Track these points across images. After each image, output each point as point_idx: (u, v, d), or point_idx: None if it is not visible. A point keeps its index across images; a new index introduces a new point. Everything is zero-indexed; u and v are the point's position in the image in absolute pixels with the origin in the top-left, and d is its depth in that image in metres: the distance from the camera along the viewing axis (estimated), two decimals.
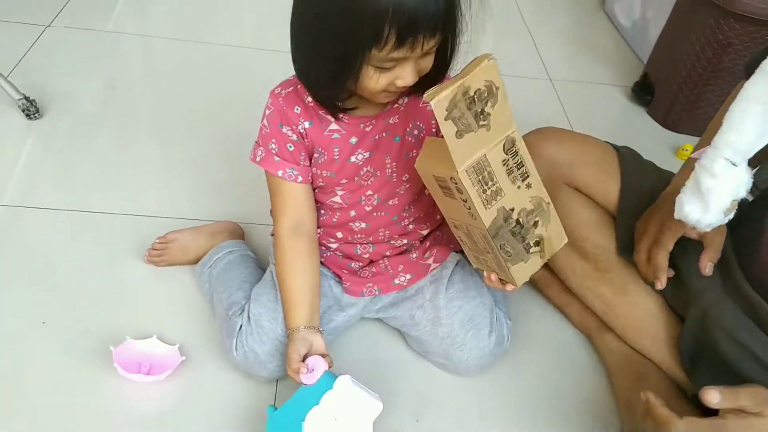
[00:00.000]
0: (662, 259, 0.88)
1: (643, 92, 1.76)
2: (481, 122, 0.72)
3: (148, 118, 1.46)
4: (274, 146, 0.87)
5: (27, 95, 1.36)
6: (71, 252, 1.13)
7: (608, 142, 1.06)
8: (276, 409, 0.85)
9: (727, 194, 0.75)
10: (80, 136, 1.37)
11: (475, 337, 0.97)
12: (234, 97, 1.52)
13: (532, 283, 1.17)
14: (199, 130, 1.43)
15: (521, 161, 0.78)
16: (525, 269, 0.85)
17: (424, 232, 1.02)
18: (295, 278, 0.91)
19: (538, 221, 0.82)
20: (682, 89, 1.63)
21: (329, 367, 0.85)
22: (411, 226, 0.99)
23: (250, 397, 0.95)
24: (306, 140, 0.87)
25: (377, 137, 0.88)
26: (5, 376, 0.94)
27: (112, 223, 1.19)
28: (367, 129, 0.88)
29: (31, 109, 1.37)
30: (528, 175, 0.79)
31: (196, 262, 1.10)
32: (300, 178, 0.89)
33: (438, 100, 0.68)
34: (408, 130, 0.89)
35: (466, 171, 0.73)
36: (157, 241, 1.10)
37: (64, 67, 1.54)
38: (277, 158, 0.88)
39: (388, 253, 1.01)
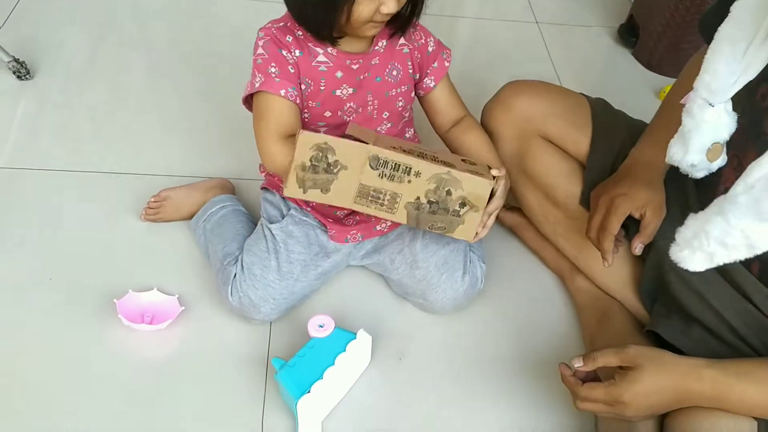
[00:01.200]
0: (608, 243, 0.90)
1: (629, 34, 1.77)
2: (336, 169, 0.80)
3: (140, 75, 1.48)
4: (274, 69, 0.90)
5: (16, 57, 1.39)
6: (72, 211, 1.18)
7: (583, 94, 1.09)
8: (284, 361, 0.92)
9: (707, 134, 0.77)
10: (72, 95, 1.41)
11: (449, 279, 1.04)
12: (228, 53, 1.54)
13: (510, 228, 1.23)
14: (191, 88, 1.45)
15: (395, 164, 0.80)
16: (467, 228, 0.88)
17: None
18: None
19: (449, 189, 0.84)
20: (665, 31, 1.64)
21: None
22: None
23: (247, 340, 1.03)
24: (296, 69, 0.92)
25: (362, 77, 0.95)
26: (17, 330, 1.01)
27: (109, 182, 1.24)
28: (354, 67, 0.94)
29: (21, 71, 1.40)
30: (410, 168, 0.81)
31: (190, 217, 1.16)
32: (298, 99, 0.92)
33: (288, 189, 0.80)
34: (387, 71, 0.97)
35: (355, 202, 0.83)
36: (152, 199, 1.16)
37: (52, 25, 1.56)
38: (278, 79, 0.90)
39: None
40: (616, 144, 1.03)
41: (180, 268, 1.11)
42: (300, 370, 0.91)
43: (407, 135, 1.08)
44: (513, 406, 1.00)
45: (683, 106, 0.79)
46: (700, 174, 0.81)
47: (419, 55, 0.99)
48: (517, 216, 1.21)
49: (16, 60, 1.39)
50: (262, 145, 0.91)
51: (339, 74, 0.94)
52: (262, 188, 1.12)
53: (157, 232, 1.16)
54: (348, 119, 0.97)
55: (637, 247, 0.91)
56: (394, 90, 0.98)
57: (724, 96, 0.76)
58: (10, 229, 1.15)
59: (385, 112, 1.00)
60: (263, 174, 1.12)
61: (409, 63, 0.98)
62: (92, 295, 1.06)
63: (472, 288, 1.07)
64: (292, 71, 0.92)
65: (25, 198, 1.20)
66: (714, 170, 0.81)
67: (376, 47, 0.95)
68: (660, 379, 0.76)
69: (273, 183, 1.09)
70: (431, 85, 1.02)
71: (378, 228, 1.07)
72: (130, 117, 1.38)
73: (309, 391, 0.88)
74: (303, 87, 0.94)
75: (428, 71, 1.01)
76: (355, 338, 0.94)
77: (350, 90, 0.95)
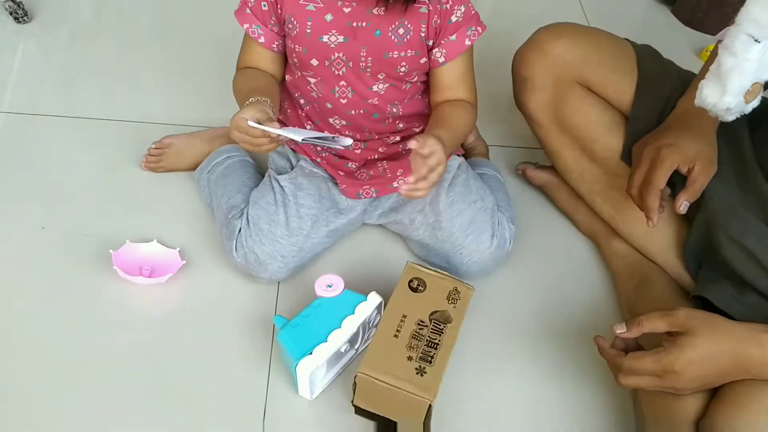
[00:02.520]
0: (653, 200, 0.83)
1: None
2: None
3: (146, 21, 1.41)
4: (251, 1, 0.87)
5: None
6: (70, 158, 1.12)
7: (627, 39, 1.00)
8: (286, 319, 0.85)
9: (748, 74, 0.69)
10: (73, 39, 1.34)
11: (475, 241, 0.96)
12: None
13: (540, 187, 1.14)
14: (197, 35, 1.38)
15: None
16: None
17: (418, 130, 0.99)
18: (250, 81, 0.89)
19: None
20: None
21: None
22: (401, 125, 0.97)
23: (252, 299, 0.96)
24: (279, 6, 0.86)
25: (355, 24, 0.84)
26: (5, 281, 0.95)
27: (111, 129, 1.17)
28: (345, 9, 0.84)
29: (18, 12, 1.33)
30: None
31: (194, 168, 1.09)
32: (262, 39, 0.88)
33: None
34: (392, 27, 0.85)
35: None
36: (153, 146, 1.09)
37: None
38: (248, 11, 0.88)
39: (381, 150, 0.98)
40: (663, 93, 0.94)
41: (182, 220, 1.05)
42: (303, 331, 0.84)
43: (416, 129, 0.98)
44: (540, 379, 0.93)
45: (720, 41, 0.72)
46: (732, 117, 0.73)
47: (438, 20, 0.86)
48: (548, 174, 1.12)
49: (13, 0, 1.31)
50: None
51: (329, 17, 0.84)
52: None
53: (158, 182, 1.09)
54: (337, 73, 0.88)
55: (683, 205, 0.83)
56: (395, 52, 0.86)
57: None
58: (3, 175, 1.08)
59: (381, 73, 0.89)
60: None
61: (424, 26, 0.85)
62: (87, 246, 0.99)
63: (499, 250, 0.98)
64: (265, 8, 0.85)
65: (20, 144, 1.14)
66: (747, 112, 0.72)
67: None
68: (715, 343, 0.69)
69: None
70: (440, 61, 0.88)
71: (395, 184, 0.98)
72: (132, 63, 1.31)
73: (311, 354, 0.81)
74: (289, 27, 0.86)
75: (442, 42, 0.87)
76: (365, 300, 0.87)
77: (340, 38, 0.85)
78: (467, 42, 0.88)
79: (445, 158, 0.78)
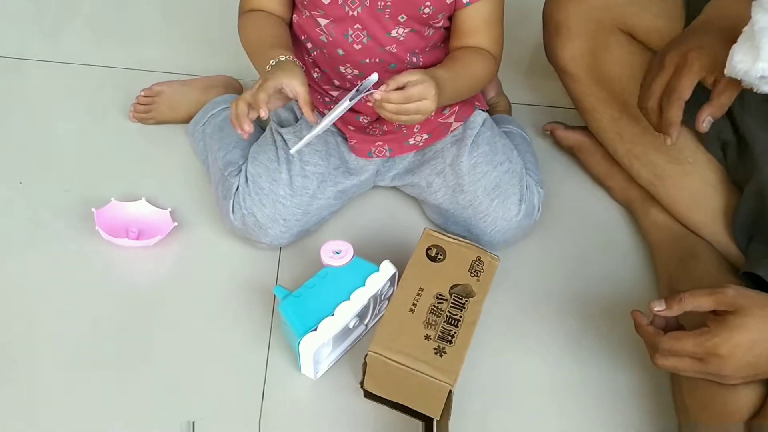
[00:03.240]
0: (675, 111, 0.72)
1: None
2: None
3: None
4: None
5: None
6: (52, 107, 1.03)
7: None
8: (288, 291, 0.77)
9: None
10: None
11: (501, 207, 0.87)
12: None
13: (570, 149, 1.04)
14: None
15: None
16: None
17: None
18: (263, 28, 0.81)
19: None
20: None
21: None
22: None
23: (251, 266, 0.88)
24: None
25: None
26: None
27: (99, 76, 1.08)
28: None
29: None
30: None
31: (188, 120, 0.99)
32: None
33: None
34: None
35: None
36: (142, 93, 0.99)
37: None
38: None
39: None
40: None
41: (174, 178, 0.96)
42: (307, 303, 0.76)
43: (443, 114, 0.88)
44: (568, 359, 0.85)
45: None
46: (762, 84, 0.64)
47: None
48: (580, 135, 1.01)
49: None
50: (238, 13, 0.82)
51: None
52: None
53: (148, 135, 1.00)
54: (351, 13, 0.78)
55: (705, 121, 0.71)
56: None
57: None
58: None
59: (402, 15, 0.79)
60: None
61: None
62: (69, 204, 0.91)
63: (527, 218, 0.89)
64: None
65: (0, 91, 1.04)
66: None
67: None
68: None
69: None
70: (464, 1, 0.79)
71: (411, 142, 0.88)
72: (125, 3, 1.20)
73: (315, 329, 0.72)
74: None
75: None
76: (377, 271, 0.78)
77: None
78: None
79: (432, 97, 0.71)
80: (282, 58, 0.74)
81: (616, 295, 0.91)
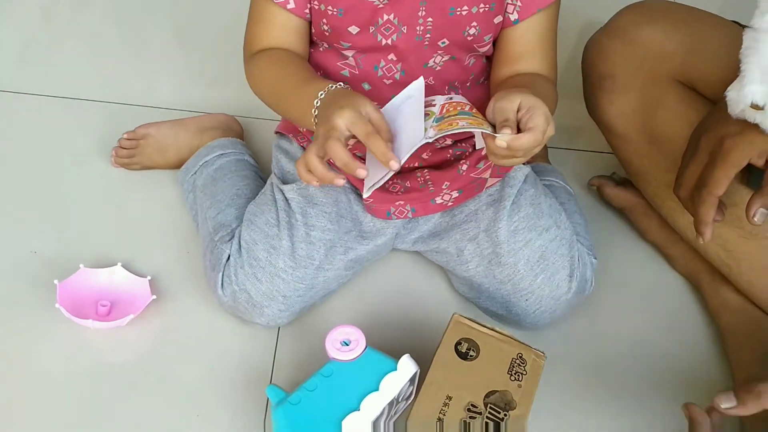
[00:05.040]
0: (706, 210, 0.65)
1: None
2: None
3: None
4: None
5: None
6: (21, 148, 0.92)
7: (736, 22, 0.77)
8: (283, 392, 0.63)
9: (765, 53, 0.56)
10: (45, 8, 1.12)
11: (547, 283, 0.73)
12: None
13: (621, 210, 0.90)
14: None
15: None
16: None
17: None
18: (287, 65, 0.69)
19: None
20: None
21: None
22: None
23: (243, 345, 0.75)
24: None
25: None
26: None
27: (78, 111, 0.97)
28: None
29: None
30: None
31: (178, 165, 0.87)
32: (292, 2, 0.69)
33: None
34: None
35: None
36: (125, 135, 0.87)
37: None
38: None
39: (425, 155, 0.76)
40: None
41: (158, 237, 0.84)
42: (306, 413, 0.62)
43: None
44: None
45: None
46: None
47: None
48: (632, 195, 0.88)
49: None
50: (244, 55, 0.73)
51: None
52: (277, 132, 0.83)
53: (133, 183, 0.89)
54: (384, 42, 0.68)
55: (758, 213, 0.64)
56: (464, 7, 0.67)
57: None
58: None
59: (444, 39, 0.69)
60: None
61: None
62: (30, 270, 0.79)
63: (579, 295, 0.76)
64: None
65: None
66: None
67: None
68: None
69: (291, 126, 0.79)
70: (512, 19, 0.70)
71: (438, 200, 0.75)
72: (106, 29, 1.10)
73: None
74: None
75: None
76: (395, 370, 0.64)
77: None
78: None
79: (551, 121, 0.58)
80: (332, 87, 0.62)
81: (678, 386, 0.76)
